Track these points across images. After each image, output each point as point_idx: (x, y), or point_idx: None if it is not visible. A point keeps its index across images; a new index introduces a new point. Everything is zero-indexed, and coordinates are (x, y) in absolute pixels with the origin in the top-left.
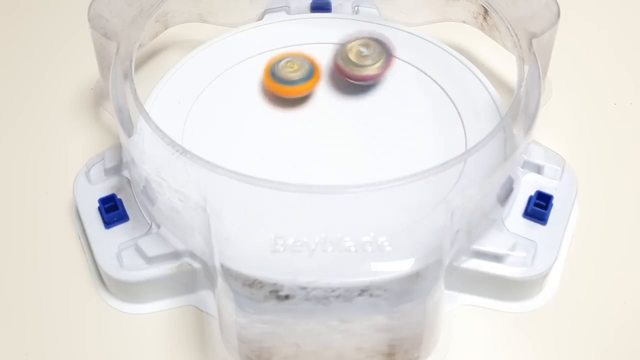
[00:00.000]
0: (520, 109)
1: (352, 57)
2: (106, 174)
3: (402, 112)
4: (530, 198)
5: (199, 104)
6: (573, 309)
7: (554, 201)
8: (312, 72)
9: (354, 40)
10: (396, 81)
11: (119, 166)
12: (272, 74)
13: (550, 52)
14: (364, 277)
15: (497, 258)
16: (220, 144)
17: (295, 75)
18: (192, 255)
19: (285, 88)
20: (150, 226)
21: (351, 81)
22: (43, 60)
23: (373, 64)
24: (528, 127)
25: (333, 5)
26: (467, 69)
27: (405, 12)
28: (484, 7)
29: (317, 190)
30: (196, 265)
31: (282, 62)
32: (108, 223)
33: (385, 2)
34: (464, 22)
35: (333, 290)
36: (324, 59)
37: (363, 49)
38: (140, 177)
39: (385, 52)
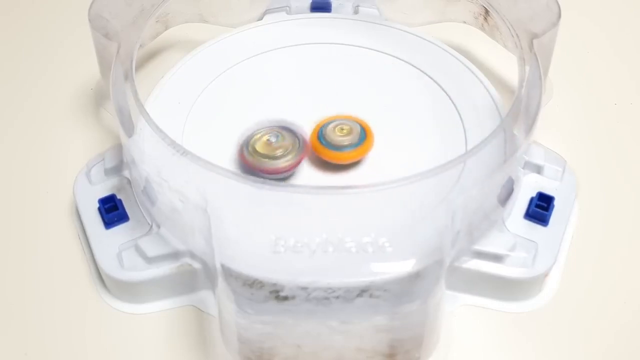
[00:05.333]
0: (521, 109)
1: (259, 148)
2: (106, 174)
3: (402, 113)
4: (532, 199)
5: (199, 104)
6: (573, 309)
7: (554, 202)
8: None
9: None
10: (396, 81)
11: (119, 166)
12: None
13: (551, 52)
14: (364, 278)
15: (497, 258)
16: (220, 144)
17: (345, 140)
18: (192, 256)
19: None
20: (151, 226)
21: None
22: (43, 60)
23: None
24: (529, 128)
25: (333, 5)
26: (467, 69)
27: (405, 12)
28: (484, 7)
29: (318, 191)
30: (196, 265)
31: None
32: (108, 223)
33: (385, 2)
34: (464, 22)
35: (333, 291)
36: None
37: (272, 139)
38: (140, 178)
39: (297, 141)
